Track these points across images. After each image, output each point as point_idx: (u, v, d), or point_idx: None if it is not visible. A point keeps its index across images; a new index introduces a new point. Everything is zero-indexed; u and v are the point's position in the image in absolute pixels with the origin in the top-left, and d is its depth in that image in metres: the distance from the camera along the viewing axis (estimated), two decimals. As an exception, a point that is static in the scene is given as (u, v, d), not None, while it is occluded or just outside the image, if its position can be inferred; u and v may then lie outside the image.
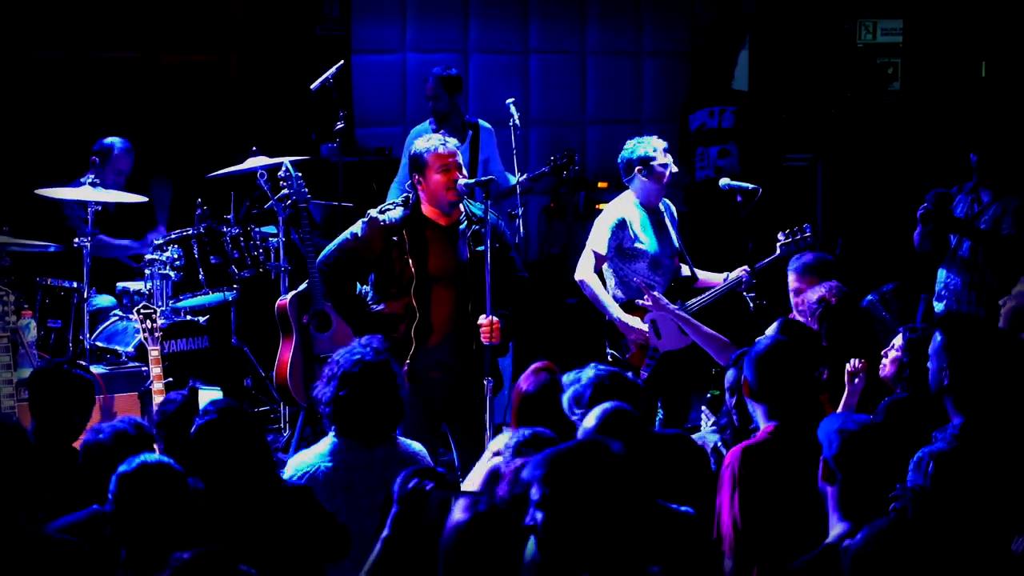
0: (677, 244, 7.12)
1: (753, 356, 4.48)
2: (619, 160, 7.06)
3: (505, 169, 8.65)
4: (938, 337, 4.41)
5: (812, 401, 4.54)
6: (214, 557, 3.13)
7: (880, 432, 3.87)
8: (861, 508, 3.76)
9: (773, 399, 4.43)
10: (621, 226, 6.99)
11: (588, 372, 4.52)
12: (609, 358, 6.97)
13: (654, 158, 6.98)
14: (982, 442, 4.26)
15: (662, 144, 7.04)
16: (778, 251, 6.93)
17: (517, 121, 8.10)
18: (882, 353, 5.36)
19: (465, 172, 6.21)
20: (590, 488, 3.25)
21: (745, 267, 6.95)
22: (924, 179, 10.13)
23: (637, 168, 6.97)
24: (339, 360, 4.86)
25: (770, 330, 5.62)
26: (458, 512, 3.35)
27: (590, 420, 4.02)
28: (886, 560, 3.17)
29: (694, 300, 6.99)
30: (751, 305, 6.95)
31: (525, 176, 8.21)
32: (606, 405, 4.06)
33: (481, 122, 8.74)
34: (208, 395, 6.16)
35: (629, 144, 7.06)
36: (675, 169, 7.06)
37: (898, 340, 5.24)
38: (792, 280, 6.44)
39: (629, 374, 4.62)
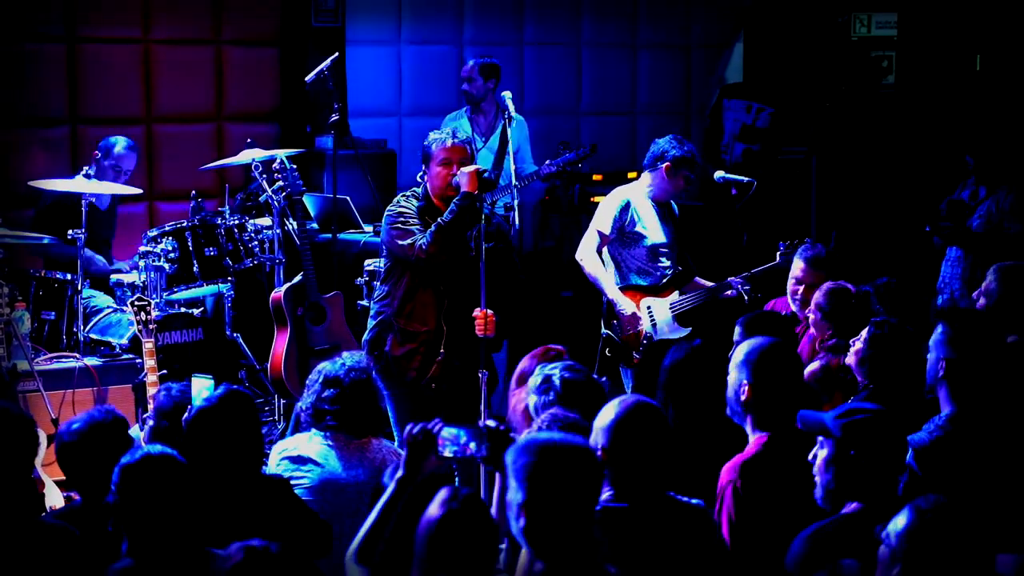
0: (678, 238, 7.16)
1: (751, 359, 4.37)
2: (653, 147, 7.06)
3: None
4: (939, 329, 4.44)
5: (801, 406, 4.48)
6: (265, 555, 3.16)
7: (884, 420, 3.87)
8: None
9: (769, 401, 4.33)
10: (626, 208, 7.04)
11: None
12: (604, 336, 7.02)
13: (687, 166, 7.00)
14: (970, 432, 4.29)
15: (696, 158, 7.07)
16: (777, 260, 6.97)
17: (512, 114, 8.10)
18: (849, 342, 5.38)
19: (476, 165, 6.16)
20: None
21: (731, 278, 7.02)
22: (918, 173, 10.16)
23: (666, 164, 6.99)
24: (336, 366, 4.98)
25: (738, 330, 5.57)
26: (434, 507, 3.38)
27: (609, 413, 3.97)
28: (938, 539, 3.15)
29: (682, 299, 7.04)
30: (746, 299, 6.98)
31: (549, 163, 8.26)
32: (628, 399, 4.02)
33: (515, 114, 8.71)
34: (200, 383, 6.17)
35: (669, 140, 7.06)
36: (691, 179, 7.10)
37: (864, 332, 5.24)
38: (800, 270, 6.49)
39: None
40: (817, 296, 5.98)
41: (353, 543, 3.66)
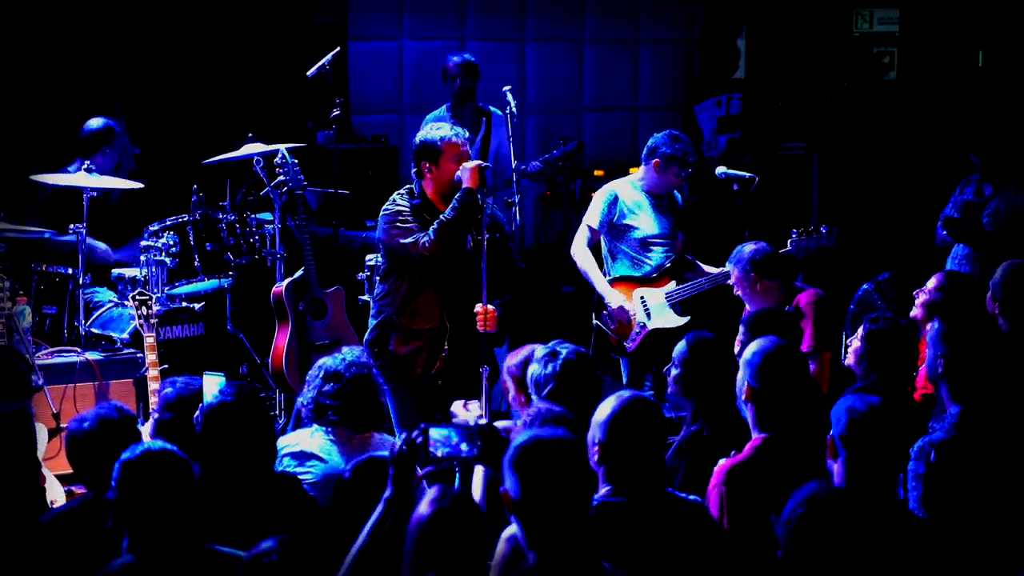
0: (678, 230, 7.16)
1: (758, 358, 4.41)
2: (650, 142, 7.09)
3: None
4: (935, 326, 4.44)
5: (808, 406, 4.47)
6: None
7: (887, 412, 3.85)
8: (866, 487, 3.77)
9: (772, 404, 4.37)
10: (614, 202, 7.11)
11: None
12: (595, 327, 7.10)
13: (677, 164, 7.01)
14: (980, 429, 4.28)
15: (691, 155, 7.07)
16: (788, 247, 6.95)
17: (514, 109, 8.09)
18: (847, 341, 5.39)
19: (477, 161, 6.15)
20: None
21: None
22: (920, 169, 10.16)
23: (656, 160, 7.02)
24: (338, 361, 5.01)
25: (742, 330, 5.56)
26: (423, 506, 3.37)
27: (606, 408, 3.98)
28: (821, 526, 3.21)
29: (679, 288, 7.04)
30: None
31: (538, 160, 8.22)
32: (625, 394, 4.02)
33: (494, 109, 8.71)
34: (213, 380, 6.17)
35: (662, 137, 7.07)
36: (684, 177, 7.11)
37: (860, 330, 5.25)
38: (737, 273, 6.50)
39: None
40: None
41: (341, 569, 3.61)
